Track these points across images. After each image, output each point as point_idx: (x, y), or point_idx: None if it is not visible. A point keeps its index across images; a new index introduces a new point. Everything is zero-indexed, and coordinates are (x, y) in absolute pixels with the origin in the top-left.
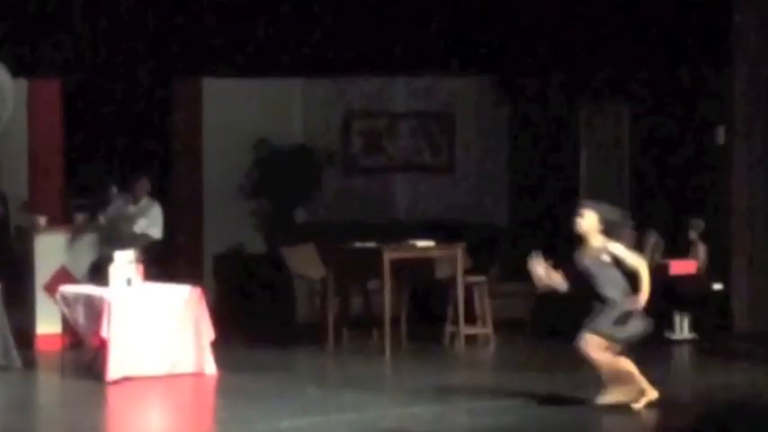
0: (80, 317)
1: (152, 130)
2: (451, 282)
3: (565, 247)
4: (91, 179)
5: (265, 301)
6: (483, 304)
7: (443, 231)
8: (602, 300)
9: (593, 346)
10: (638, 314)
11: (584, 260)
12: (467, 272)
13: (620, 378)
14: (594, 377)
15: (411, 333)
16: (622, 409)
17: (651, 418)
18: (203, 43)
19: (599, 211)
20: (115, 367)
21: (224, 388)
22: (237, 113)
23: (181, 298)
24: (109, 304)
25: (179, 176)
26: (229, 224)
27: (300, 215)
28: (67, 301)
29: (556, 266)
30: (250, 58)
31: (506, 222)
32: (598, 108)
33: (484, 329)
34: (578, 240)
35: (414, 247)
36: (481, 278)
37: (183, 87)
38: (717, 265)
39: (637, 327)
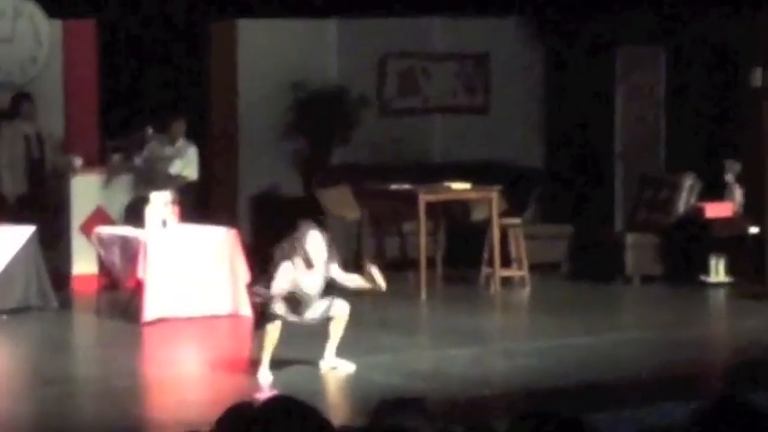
0: (116, 258)
1: (187, 72)
2: (487, 224)
3: (599, 187)
4: (126, 120)
5: None
6: (518, 246)
7: (479, 173)
8: None
9: None
10: None
11: None
12: (502, 214)
13: None
14: (631, 318)
15: (446, 275)
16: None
17: (685, 360)
18: None
19: None
20: (151, 308)
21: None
22: (272, 55)
23: (216, 239)
24: (145, 245)
25: (215, 118)
26: (265, 166)
27: (336, 156)
28: (103, 243)
29: None
30: None
31: (542, 164)
32: (634, 49)
33: (519, 272)
34: None
35: (449, 189)
36: (516, 220)
37: (218, 29)
38: (753, 208)
39: None
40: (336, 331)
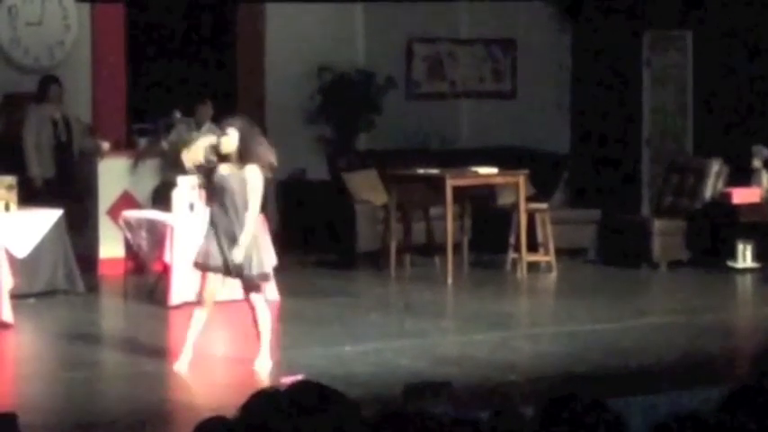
0: (143, 242)
1: (215, 56)
2: (514, 209)
3: (626, 172)
4: (154, 104)
5: (327, 228)
6: (545, 231)
7: (505, 158)
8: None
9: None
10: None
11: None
12: (529, 199)
13: None
14: (658, 303)
15: (473, 260)
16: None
17: (712, 345)
18: None
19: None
20: (177, 292)
21: (286, 314)
22: (299, 38)
23: None
24: (171, 229)
25: (241, 102)
26: (291, 150)
27: (362, 141)
28: (130, 226)
29: None
30: None
31: (569, 149)
32: (661, 34)
33: (546, 256)
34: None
35: (476, 173)
36: (543, 205)
37: (245, 12)
38: None
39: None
40: (259, 322)
